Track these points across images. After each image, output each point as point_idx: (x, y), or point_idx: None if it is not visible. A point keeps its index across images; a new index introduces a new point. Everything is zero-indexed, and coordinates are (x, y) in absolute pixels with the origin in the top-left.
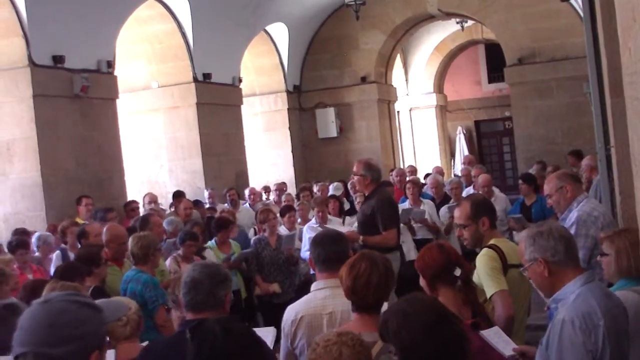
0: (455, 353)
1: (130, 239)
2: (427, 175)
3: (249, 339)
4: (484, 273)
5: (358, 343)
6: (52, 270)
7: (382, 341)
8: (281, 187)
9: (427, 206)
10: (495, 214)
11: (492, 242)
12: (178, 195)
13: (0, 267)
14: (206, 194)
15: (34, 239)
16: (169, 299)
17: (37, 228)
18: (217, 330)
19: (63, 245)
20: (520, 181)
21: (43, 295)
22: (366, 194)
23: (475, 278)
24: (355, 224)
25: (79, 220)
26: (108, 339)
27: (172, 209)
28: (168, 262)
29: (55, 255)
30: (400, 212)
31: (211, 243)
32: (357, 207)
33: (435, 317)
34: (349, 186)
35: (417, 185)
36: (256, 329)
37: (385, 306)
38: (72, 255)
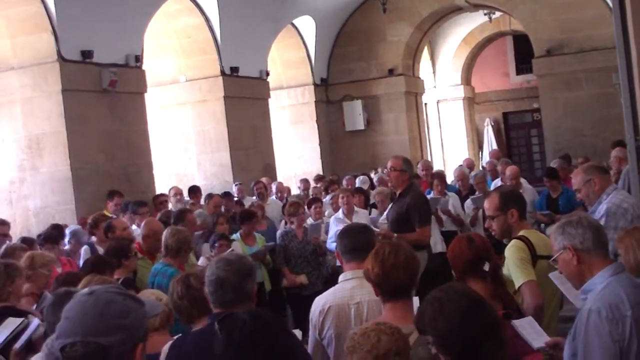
0: (492, 339)
1: (167, 231)
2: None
3: (278, 327)
4: (513, 264)
5: (396, 331)
6: (81, 265)
7: (419, 334)
8: (305, 185)
9: (451, 198)
10: (525, 206)
11: (521, 233)
12: (195, 190)
13: (13, 262)
14: (235, 189)
15: (66, 232)
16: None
17: (67, 221)
18: (247, 319)
19: (91, 240)
20: (545, 179)
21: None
22: (399, 192)
23: (504, 269)
24: (383, 217)
25: (107, 214)
26: None
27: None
28: (201, 261)
29: (84, 250)
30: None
31: (235, 235)
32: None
33: (470, 303)
34: (374, 180)
35: (443, 179)
36: None
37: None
38: (100, 249)
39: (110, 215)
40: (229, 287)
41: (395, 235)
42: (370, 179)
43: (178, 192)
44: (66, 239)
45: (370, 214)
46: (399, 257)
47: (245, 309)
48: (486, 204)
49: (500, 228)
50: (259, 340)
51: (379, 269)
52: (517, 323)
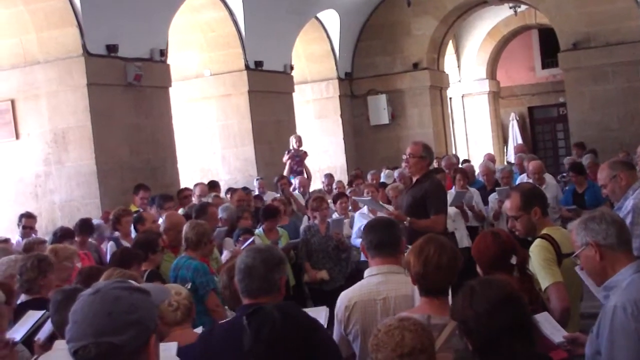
0: (519, 336)
1: (187, 224)
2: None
3: (308, 323)
4: (538, 265)
5: (420, 327)
6: (108, 261)
7: (452, 319)
8: (330, 180)
9: (474, 194)
10: (547, 202)
11: (544, 231)
12: (214, 185)
13: (45, 255)
14: (256, 184)
15: None
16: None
17: (92, 215)
18: (276, 315)
19: (115, 234)
20: (571, 173)
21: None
22: (417, 178)
23: (529, 266)
24: None
25: (133, 208)
26: (160, 324)
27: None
28: (224, 255)
29: (109, 246)
30: (454, 195)
31: (258, 231)
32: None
33: (502, 296)
34: (395, 175)
35: (465, 174)
36: (308, 309)
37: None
38: (125, 244)
39: (137, 209)
40: (256, 275)
41: (408, 219)
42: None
43: (204, 192)
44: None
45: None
46: (443, 259)
47: (273, 301)
48: (507, 204)
49: (524, 227)
50: (288, 336)
51: (420, 267)
52: (534, 318)
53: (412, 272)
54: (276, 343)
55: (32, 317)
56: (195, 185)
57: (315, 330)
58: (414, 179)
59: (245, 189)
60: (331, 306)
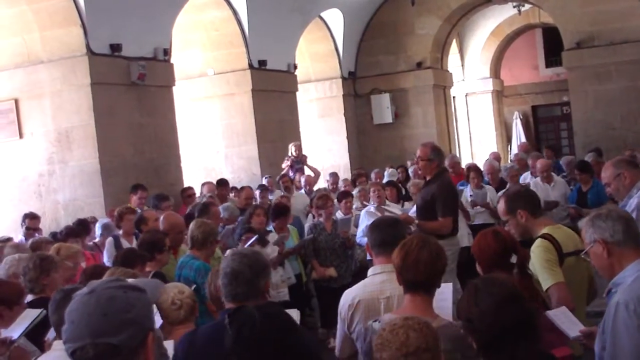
0: (523, 334)
1: (193, 223)
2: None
3: (289, 323)
4: (539, 266)
5: (425, 326)
6: (104, 257)
7: (457, 318)
8: (334, 179)
9: (489, 192)
10: (536, 202)
11: (545, 230)
12: (222, 184)
13: (49, 254)
14: (265, 182)
15: (97, 226)
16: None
17: (96, 214)
18: (257, 315)
19: (116, 232)
20: (576, 171)
21: None
22: (427, 179)
23: (530, 266)
24: (413, 210)
25: (132, 207)
26: (162, 322)
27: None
28: (227, 254)
29: (108, 242)
30: None
31: (270, 228)
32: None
33: (505, 293)
34: (409, 171)
35: (479, 172)
36: None
37: (438, 292)
38: (125, 242)
39: (135, 208)
40: (243, 280)
41: (416, 222)
42: (406, 170)
43: (211, 190)
44: (97, 232)
45: (403, 206)
46: (423, 253)
47: (256, 304)
48: (498, 208)
49: (516, 230)
50: (268, 336)
51: (400, 259)
52: (551, 314)
53: (395, 265)
54: (257, 343)
55: (28, 316)
56: (203, 184)
57: (296, 330)
58: (426, 179)
59: (261, 186)
60: (339, 303)
